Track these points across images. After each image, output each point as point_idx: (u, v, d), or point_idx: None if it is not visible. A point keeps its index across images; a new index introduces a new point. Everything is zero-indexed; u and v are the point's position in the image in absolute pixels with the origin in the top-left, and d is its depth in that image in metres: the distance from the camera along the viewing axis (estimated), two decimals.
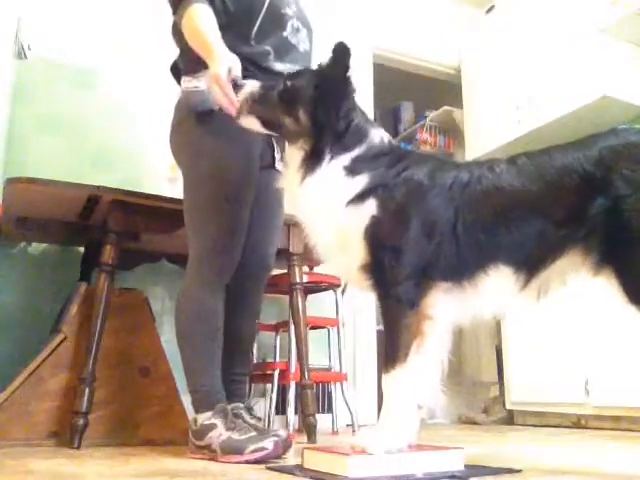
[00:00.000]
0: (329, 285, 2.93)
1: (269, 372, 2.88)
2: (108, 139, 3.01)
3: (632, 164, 1.24)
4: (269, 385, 2.90)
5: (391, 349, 1.38)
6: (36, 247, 2.78)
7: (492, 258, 1.34)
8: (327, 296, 3.09)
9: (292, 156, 1.52)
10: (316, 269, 3.01)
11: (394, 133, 4.97)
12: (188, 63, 1.83)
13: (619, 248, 1.24)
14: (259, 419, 1.82)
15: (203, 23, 1.71)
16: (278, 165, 1.93)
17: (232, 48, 1.70)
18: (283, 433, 1.69)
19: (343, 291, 3.00)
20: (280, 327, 2.98)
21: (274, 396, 2.80)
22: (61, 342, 2.20)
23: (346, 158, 1.45)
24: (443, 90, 4.42)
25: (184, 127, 1.87)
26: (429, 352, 1.36)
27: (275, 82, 1.57)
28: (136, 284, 2.59)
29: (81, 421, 2.00)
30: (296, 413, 2.77)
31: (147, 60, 3.09)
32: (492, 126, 3.71)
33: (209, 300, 1.82)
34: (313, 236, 1.50)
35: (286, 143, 1.59)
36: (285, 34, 1.87)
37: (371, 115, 3.77)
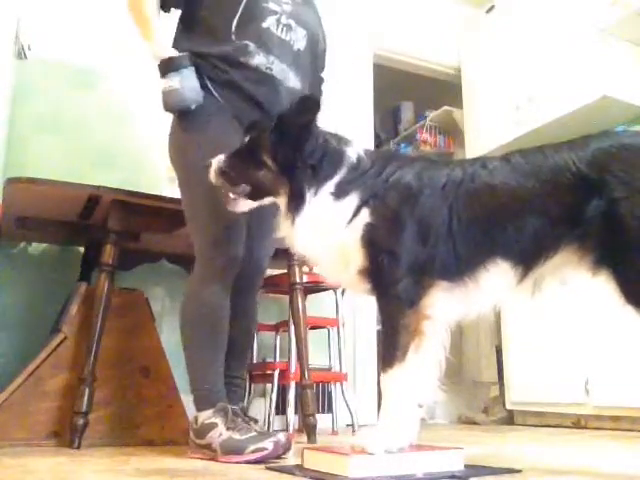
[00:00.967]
0: (329, 285, 2.93)
1: (269, 372, 2.89)
2: (108, 139, 3.01)
3: (626, 166, 1.25)
4: (269, 385, 2.91)
5: (389, 348, 1.38)
6: (36, 247, 2.78)
7: (490, 254, 1.35)
8: (327, 296, 3.09)
9: (280, 206, 1.53)
10: (316, 269, 3.01)
11: (394, 133, 4.97)
12: (159, 66, 1.85)
13: (615, 250, 1.25)
14: (256, 421, 1.82)
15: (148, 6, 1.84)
16: None
17: (203, 49, 1.81)
18: (283, 434, 1.70)
19: (343, 291, 3.00)
20: (280, 327, 2.98)
21: (274, 396, 2.80)
22: (61, 342, 2.21)
23: (330, 186, 1.45)
24: (443, 90, 4.42)
25: (173, 128, 1.93)
26: (428, 352, 1.37)
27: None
28: (136, 284, 2.58)
29: (81, 421, 2.00)
30: (296, 413, 2.77)
31: (147, 60, 3.07)
32: (492, 126, 3.70)
33: (213, 298, 1.83)
34: (319, 267, 1.54)
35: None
36: (265, 25, 1.86)
37: (371, 115, 3.79)
